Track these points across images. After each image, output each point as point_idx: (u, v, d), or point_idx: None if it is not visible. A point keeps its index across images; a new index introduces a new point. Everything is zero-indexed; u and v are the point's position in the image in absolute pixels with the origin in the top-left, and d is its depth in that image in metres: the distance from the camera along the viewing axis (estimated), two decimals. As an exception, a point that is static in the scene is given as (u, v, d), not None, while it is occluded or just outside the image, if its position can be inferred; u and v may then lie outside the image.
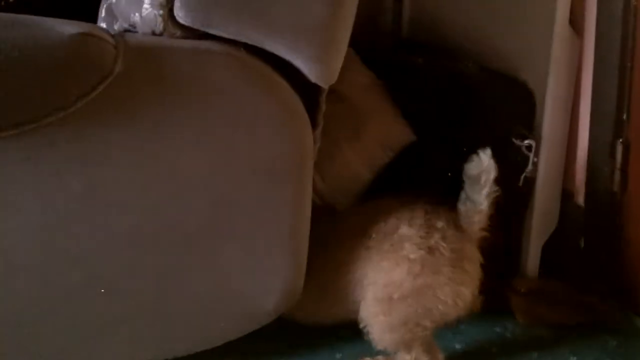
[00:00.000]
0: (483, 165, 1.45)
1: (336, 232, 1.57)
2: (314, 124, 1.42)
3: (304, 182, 1.42)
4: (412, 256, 1.47)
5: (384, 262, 1.48)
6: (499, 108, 1.65)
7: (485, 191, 1.46)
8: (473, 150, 1.46)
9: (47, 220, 1.31)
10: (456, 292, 1.47)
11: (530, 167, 1.67)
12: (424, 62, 1.77)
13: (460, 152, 1.69)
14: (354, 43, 1.60)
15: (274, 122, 1.37)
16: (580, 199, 1.76)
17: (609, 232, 1.71)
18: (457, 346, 1.64)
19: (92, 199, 1.32)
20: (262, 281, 1.47)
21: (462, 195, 1.49)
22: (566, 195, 1.78)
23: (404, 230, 1.50)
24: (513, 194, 1.70)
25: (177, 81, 1.30)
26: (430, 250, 1.47)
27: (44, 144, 1.27)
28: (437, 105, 1.74)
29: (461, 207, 1.50)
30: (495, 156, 1.65)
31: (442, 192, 1.62)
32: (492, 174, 1.45)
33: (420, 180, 1.71)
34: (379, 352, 1.53)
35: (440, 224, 1.50)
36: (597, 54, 1.66)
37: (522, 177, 1.68)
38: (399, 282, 1.46)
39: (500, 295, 1.74)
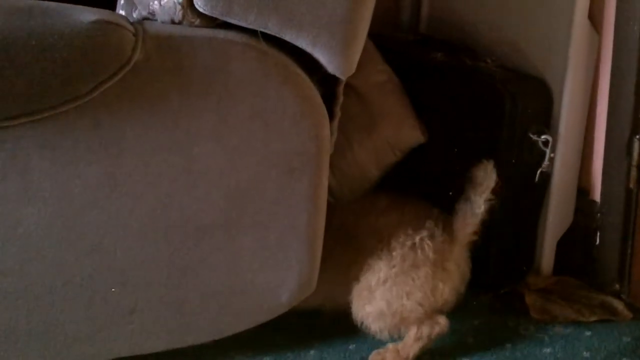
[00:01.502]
0: (488, 172, 1.52)
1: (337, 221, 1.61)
2: (331, 116, 1.42)
3: (320, 174, 1.42)
4: (394, 252, 1.55)
5: (369, 257, 1.56)
6: (517, 104, 1.64)
7: (485, 196, 1.53)
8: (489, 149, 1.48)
9: (62, 209, 1.31)
10: (434, 286, 1.54)
11: (546, 162, 1.67)
12: (443, 58, 1.76)
13: (477, 150, 1.70)
14: (372, 37, 1.61)
15: (292, 113, 1.36)
16: (596, 196, 1.75)
17: (624, 229, 1.71)
18: (470, 340, 1.63)
19: (107, 188, 1.32)
20: (277, 274, 1.46)
21: (463, 197, 1.55)
22: (581, 191, 1.78)
23: (392, 227, 1.57)
24: (529, 189, 1.70)
25: (195, 71, 1.30)
26: (413, 246, 1.55)
27: (61, 132, 1.27)
28: (455, 101, 1.73)
29: (459, 208, 1.56)
30: (512, 152, 1.66)
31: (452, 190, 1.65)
32: (493, 182, 1.52)
33: (434, 178, 1.71)
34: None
35: (429, 223, 1.57)
36: (616, 51, 1.66)
37: (538, 172, 1.68)
38: (377, 271, 1.54)
39: (515, 292, 1.74)
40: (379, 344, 1.57)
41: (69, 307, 1.37)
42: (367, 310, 1.54)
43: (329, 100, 1.43)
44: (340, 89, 1.44)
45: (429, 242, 1.55)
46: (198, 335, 1.49)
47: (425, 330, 1.54)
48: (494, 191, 1.52)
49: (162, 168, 1.33)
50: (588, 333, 1.65)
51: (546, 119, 1.68)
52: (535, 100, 1.67)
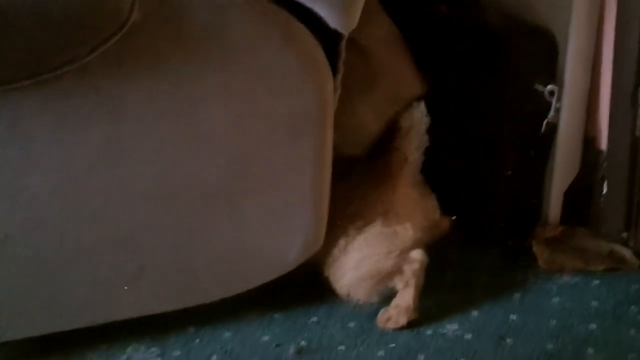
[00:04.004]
0: (414, 118, 1.53)
1: None
2: (334, 72, 1.41)
3: (325, 133, 1.41)
4: (344, 218, 1.54)
5: (330, 229, 1.54)
6: (522, 55, 1.63)
7: (414, 144, 1.54)
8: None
9: (65, 174, 1.31)
10: (392, 232, 1.54)
11: (552, 113, 1.66)
12: (446, 10, 1.74)
13: (482, 102, 1.69)
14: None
15: (295, 71, 1.35)
16: (602, 145, 1.74)
17: (630, 177, 1.70)
18: (479, 292, 1.64)
19: (110, 154, 1.32)
20: (283, 235, 1.47)
21: (393, 145, 1.56)
22: (588, 141, 1.77)
23: (339, 196, 1.55)
24: (535, 140, 1.69)
25: (194, 32, 1.28)
26: (358, 208, 1.54)
27: (62, 97, 1.26)
28: (459, 53, 1.72)
29: (393, 156, 1.56)
30: (518, 103, 1.65)
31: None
32: (423, 127, 1.53)
33: (440, 131, 1.70)
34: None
35: (371, 180, 1.57)
36: (620, 0, 1.64)
37: (544, 123, 1.67)
38: (336, 243, 1.53)
39: (522, 243, 1.74)
40: (387, 299, 1.58)
41: (75, 272, 1.38)
42: (346, 282, 1.54)
43: (331, 55, 1.42)
44: (343, 44, 1.42)
45: (372, 198, 1.55)
46: (206, 295, 1.50)
47: (408, 272, 1.54)
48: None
49: (165, 133, 1.33)
50: (596, 282, 1.66)
51: (551, 70, 1.67)
52: (540, 51, 1.65)
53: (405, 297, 1.55)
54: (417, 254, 1.54)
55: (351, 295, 1.55)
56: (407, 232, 1.54)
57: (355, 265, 1.53)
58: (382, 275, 1.54)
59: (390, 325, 1.55)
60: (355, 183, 1.58)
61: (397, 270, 1.54)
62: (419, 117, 1.53)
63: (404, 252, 1.54)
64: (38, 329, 1.42)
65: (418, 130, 1.53)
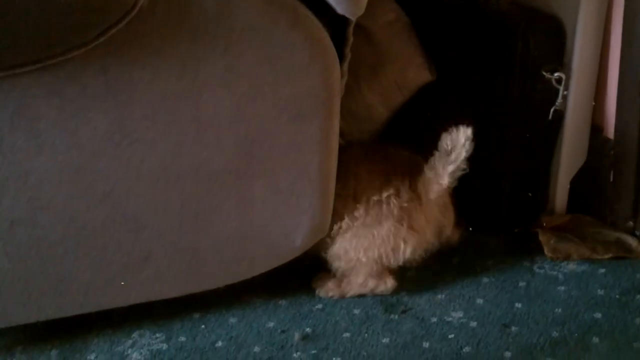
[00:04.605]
0: (458, 142, 1.45)
1: None
2: (340, 58, 1.40)
3: (331, 118, 1.41)
4: (359, 204, 1.53)
5: (338, 204, 1.53)
6: (529, 42, 1.62)
7: (450, 167, 1.47)
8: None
9: (73, 158, 1.31)
10: (395, 245, 1.53)
11: (559, 100, 1.66)
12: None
13: (490, 89, 1.69)
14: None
15: (301, 57, 1.34)
16: (610, 133, 1.74)
17: (638, 166, 1.70)
18: (485, 280, 1.64)
19: (117, 136, 1.31)
20: (290, 219, 1.47)
21: (430, 161, 1.51)
22: (595, 129, 1.76)
23: (361, 177, 1.55)
24: (542, 127, 1.69)
25: (201, 16, 1.28)
26: (379, 202, 1.52)
27: (69, 79, 1.26)
28: (467, 40, 1.72)
29: (425, 172, 1.52)
30: (526, 90, 1.65)
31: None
32: (464, 153, 1.45)
33: (446, 119, 1.70)
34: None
35: (397, 181, 1.53)
36: (629, -15, 1.63)
37: (552, 110, 1.67)
38: (340, 219, 1.53)
39: (528, 231, 1.74)
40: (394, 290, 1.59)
41: (82, 256, 1.38)
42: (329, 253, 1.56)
43: (338, 41, 1.41)
44: (350, 30, 1.42)
45: (394, 200, 1.52)
46: (213, 280, 1.49)
47: (371, 284, 1.56)
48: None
49: (171, 115, 1.32)
50: (602, 270, 1.66)
51: (559, 57, 1.66)
52: (548, 38, 1.65)
53: (349, 289, 1.58)
54: (390, 283, 1.57)
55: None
56: (405, 252, 1.54)
57: (345, 248, 1.54)
58: (355, 269, 1.56)
59: (318, 286, 1.59)
60: (381, 167, 1.57)
61: (366, 274, 1.56)
62: (463, 141, 1.44)
63: (387, 268, 1.56)
64: (44, 314, 1.42)
65: (458, 156, 1.46)
